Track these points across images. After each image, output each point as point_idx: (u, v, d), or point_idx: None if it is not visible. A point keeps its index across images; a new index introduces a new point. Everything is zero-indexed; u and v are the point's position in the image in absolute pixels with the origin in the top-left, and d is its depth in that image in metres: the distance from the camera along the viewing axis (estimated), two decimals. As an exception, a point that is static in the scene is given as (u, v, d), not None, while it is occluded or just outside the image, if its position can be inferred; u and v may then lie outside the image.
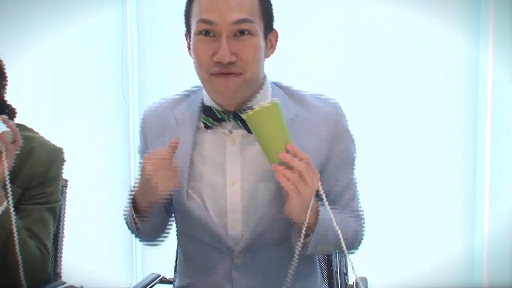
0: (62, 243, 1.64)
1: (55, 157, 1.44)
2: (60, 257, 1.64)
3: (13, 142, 1.26)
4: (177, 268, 1.49)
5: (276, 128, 1.14)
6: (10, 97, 2.50)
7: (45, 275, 1.40)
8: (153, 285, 1.68)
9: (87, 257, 2.84)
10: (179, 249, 1.46)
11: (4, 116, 1.28)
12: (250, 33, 1.21)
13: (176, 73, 2.82)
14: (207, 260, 1.34)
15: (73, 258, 2.83)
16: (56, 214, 1.47)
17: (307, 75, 2.66)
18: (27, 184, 1.38)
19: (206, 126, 1.30)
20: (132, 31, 2.84)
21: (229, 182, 1.28)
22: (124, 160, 2.88)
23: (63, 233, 1.64)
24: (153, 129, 1.36)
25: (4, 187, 1.26)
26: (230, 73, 1.22)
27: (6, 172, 1.24)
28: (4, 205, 1.28)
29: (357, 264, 1.27)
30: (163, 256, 2.94)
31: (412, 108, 2.74)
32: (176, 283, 1.46)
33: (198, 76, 1.28)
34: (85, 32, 2.83)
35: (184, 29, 1.31)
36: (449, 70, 2.74)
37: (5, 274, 1.32)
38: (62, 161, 1.46)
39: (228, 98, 1.26)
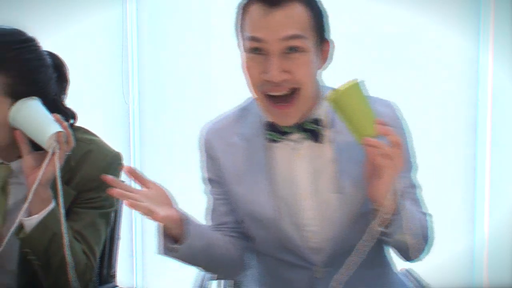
0: (117, 245, 1.62)
1: (112, 161, 1.42)
2: (115, 260, 1.62)
3: (66, 142, 1.27)
4: (239, 284, 1.47)
5: (365, 104, 1.14)
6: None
7: (88, 279, 1.36)
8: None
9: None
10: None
11: (59, 116, 1.28)
12: (301, 49, 1.17)
13: (176, 73, 2.82)
14: (284, 278, 1.33)
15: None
16: (110, 220, 1.44)
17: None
18: (81, 187, 1.36)
19: (271, 141, 1.29)
20: (132, 31, 2.83)
21: (301, 195, 1.27)
22: (124, 160, 2.87)
23: (118, 235, 1.62)
24: (219, 149, 1.36)
25: (54, 187, 1.26)
26: (284, 103, 1.19)
27: (58, 173, 1.24)
28: (52, 205, 1.28)
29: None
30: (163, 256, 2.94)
31: (412, 108, 2.72)
32: None
33: (252, 93, 1.26)
34: (85, 32, 2.82)
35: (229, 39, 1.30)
36: (449, 70, 2.74)
37: (48, 275, 1.30)
38: (119, 166, 1.43)
39: (285, 122, 1.24)
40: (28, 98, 1.28)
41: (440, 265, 2.78)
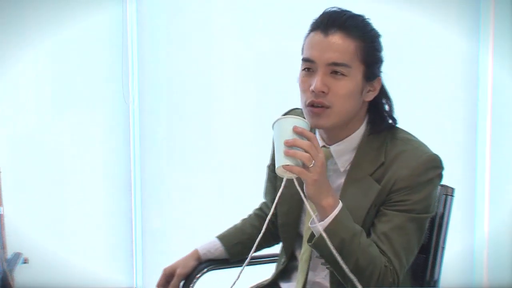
0: (441, 253, 1.57)
1: (425, 162, 1.34)
2: (437, 267, 1.57)
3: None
4: None
5: None
6: (10, 98, 2.52)
7: (389, 283, 1.29)
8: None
9: (87, 257, 2.84)
10: None
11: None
12: None
13: (176, 73, 2.82)
14: None
15: (73, 258, 2.84)
16: (423, 226, 1.36)
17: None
18: (391, 187, 1.31)
19: None
20: (132, 31, 2.83)
21: None
22: (124, 160, 2.87)
23: (443, 243, 1.56)
24: None
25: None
26: None
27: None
28: (337, 209, 1.25)
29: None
30: (164, 255, 2.94)
31: (412, 108, 2.73)
32: None
33: None
34: (85, 32, 2.82)
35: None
36: (449, 70, 2.74)
37: (344, 279, 1.27)
38: (434, 168, 1.37)
39: None
40: None
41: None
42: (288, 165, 1.21)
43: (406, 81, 2.73)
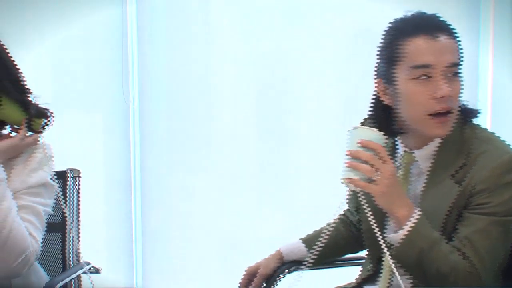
0: None
1: (508, 163, 1.26)
2: None
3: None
4: None
5: None
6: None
7: None
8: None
9: (87, 257, 2.83)
10: None
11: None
12: None
13: (176, 73, 2.82)
14: None
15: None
16: (511, 228, 1.27)
17: (306, 76, 2.66)
18: (471, 189, 1.26)
19: None
20: (132, 31, 2.83)
21: None
22: (124, 160, 2.87)
23: None
24: None
25: None
26: None
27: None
28: (415, 217, 1.23)
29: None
30: (164, 255, 2.94)
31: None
32: None
33: None
34: (85, 32, 2.82)
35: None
36: (449, 70, 2.73)
37: (425, 284, 1.25)
38: None
39: None
40: None
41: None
42: (351, 178, 1.20)
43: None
